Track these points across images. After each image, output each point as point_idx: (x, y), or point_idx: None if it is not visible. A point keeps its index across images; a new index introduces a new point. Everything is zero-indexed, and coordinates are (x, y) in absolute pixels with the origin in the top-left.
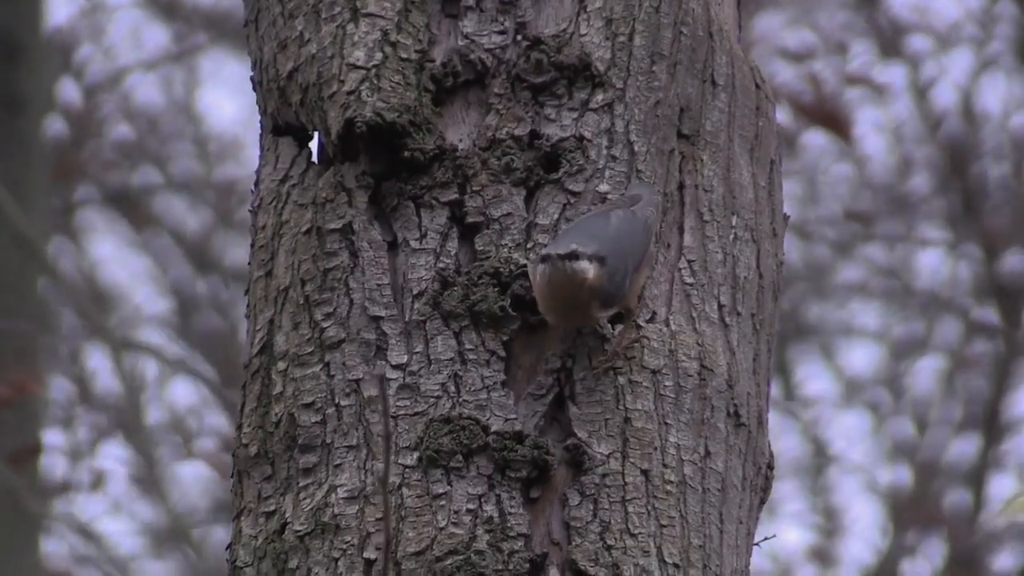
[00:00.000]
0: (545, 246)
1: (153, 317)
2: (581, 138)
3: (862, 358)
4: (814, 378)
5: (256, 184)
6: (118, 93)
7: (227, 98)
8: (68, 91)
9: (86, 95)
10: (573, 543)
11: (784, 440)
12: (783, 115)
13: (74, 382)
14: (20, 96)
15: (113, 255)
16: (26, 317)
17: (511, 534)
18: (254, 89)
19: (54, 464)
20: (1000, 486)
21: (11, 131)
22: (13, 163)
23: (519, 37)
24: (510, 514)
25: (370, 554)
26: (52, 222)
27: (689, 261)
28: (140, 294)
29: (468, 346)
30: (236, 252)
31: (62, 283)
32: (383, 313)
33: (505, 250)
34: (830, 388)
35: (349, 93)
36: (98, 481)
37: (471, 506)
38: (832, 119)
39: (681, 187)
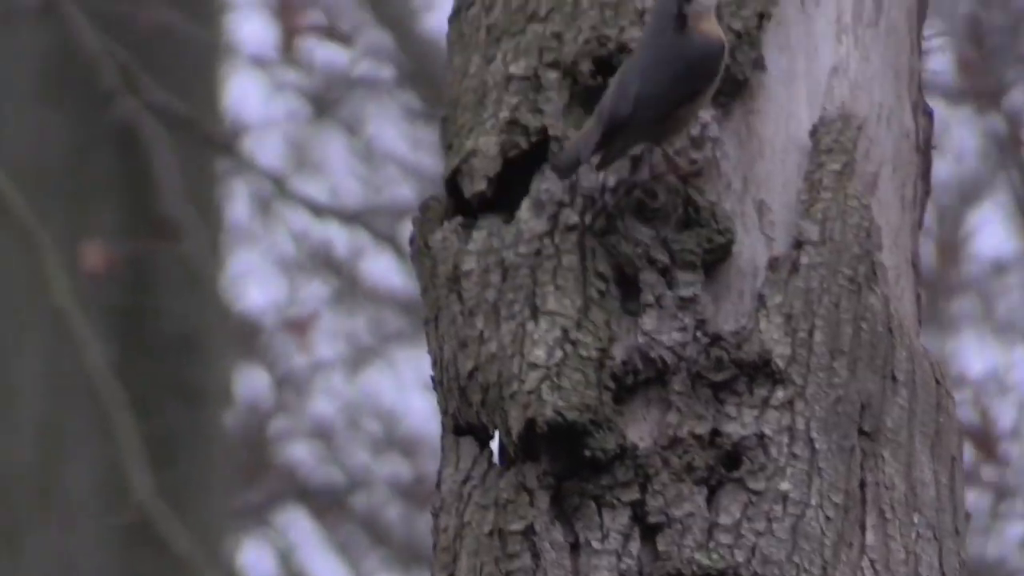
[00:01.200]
0: None
1: None
2: (762, 436)
3: None
4: None
5: (438, 485)
6: (304, 385)
7: (412, 393)
8: (251, 382)
9: (272, 386)
10: None
11: None
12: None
13: None
14: (199, 388)
15: (305, 552)
16: None
17: None
18: (434, 388)
19: None
20: None
21: (190, 426)
22: (193, 459)
23: (699, 334)
24: None
25: None
26: (237, 520)
27: (871, 560)
28: None
29: None
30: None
31: None
32: None
33: (687, 551)
34: None
35: (530, 392)
36: None
37: None
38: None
39: (862, 485)
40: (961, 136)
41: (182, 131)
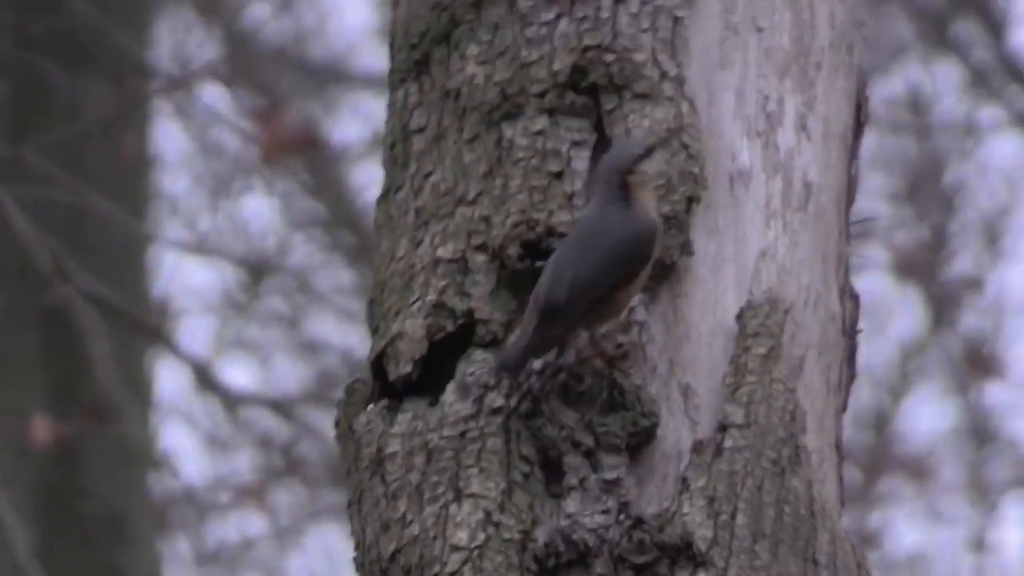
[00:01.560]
0: None
1: None
2: None
3: None
4: None
5: None
6: (234, 561)
7: (342, 571)
8: (179, 559)
9: (200, 563)
10: None
11: None
12: None
13: None
14: (125, 570)
15: None
16: None
17: None
18: (356, 571)
19: None
20: None
21: None
22: None
23: (622, 517)
24: None
25: None
26: None
27: None
28: None
29: None
30: None
31: None
32: None
33: None
34: None
35: (451, 574)
36: None
37: None
38: None
39: None
40: (900, 314)
41: (111, 316)
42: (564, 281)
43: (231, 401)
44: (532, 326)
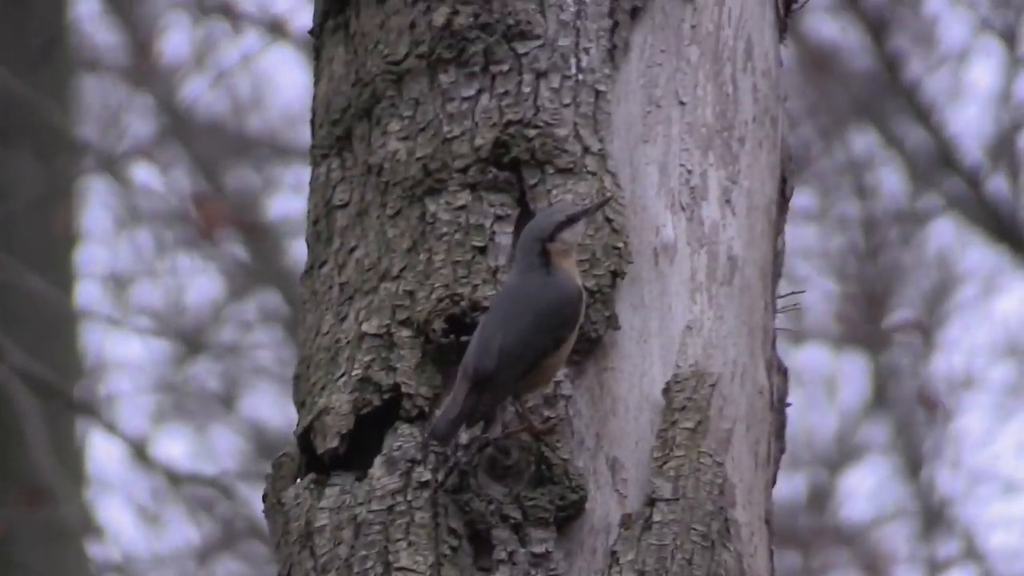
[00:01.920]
0: None
1: None
2: None
3: None
4: None
5: None
6: None
7: None
8: None
9: None
10: None
11: None
12: None
13: None
14: None
15: None
16: None
17: None
18: None
19: None
20: None
21: None
22: None
23: None
24: None
25: None
26: None
27: None
28: None
29: None
30: None
31: None
32: None
33: None
34: None
35: None
36: None
37: None
38: None
39: None
40: (843, 388)
41: (44, 392)
42: (492, 350)
43: (173, 477)
44: (462, 396)
